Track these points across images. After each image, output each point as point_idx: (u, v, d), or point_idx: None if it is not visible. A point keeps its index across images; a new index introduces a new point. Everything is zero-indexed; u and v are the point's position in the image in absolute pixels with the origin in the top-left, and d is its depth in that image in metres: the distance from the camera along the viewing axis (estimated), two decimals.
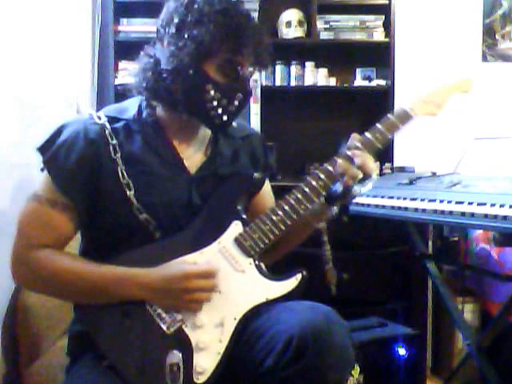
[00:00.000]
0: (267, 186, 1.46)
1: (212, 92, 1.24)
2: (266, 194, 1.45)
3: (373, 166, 1.26)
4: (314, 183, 1.25)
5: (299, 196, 1.25)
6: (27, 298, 1.54)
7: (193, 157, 1.33)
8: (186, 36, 1.22)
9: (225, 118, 1.27)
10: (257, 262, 1.24)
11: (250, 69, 1.30)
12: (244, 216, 1.27)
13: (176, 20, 1.24)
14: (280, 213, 1.24)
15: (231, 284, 1.22)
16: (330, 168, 1.26)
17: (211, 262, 1.22)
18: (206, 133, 1.37)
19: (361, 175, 1.24)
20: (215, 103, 1.25)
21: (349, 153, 1.26)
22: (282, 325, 1.17)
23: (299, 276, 1.22)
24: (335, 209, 1.34)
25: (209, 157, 1.35)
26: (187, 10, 1.24)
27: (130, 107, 1.34)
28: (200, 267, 1.21)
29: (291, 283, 1.22)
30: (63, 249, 1.27)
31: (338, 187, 1.27)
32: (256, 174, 1.34)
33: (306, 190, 1.26)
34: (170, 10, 1.27)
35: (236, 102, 1.27)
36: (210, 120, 1.28)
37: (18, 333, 1.53)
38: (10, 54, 1.84)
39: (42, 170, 1.26)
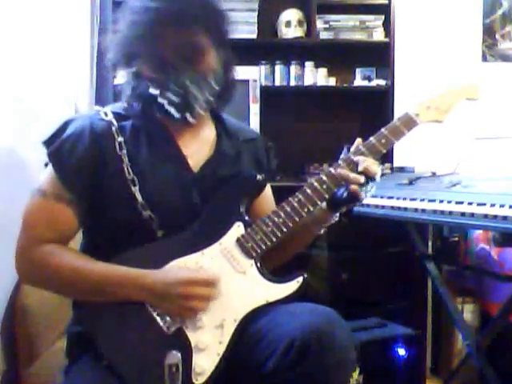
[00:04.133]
0: (268, 190, 1.46)
1: (152, 90, 1.25)
2: (267, 198, 1.45)
3: (377, 170, 1.26)
4: (317, 186, 1.26)
5: (302, 198, 1.25)
6: (26, 298, 1.54)
7: (196, 155, 1.33)
8: (117, 42, 1.29)
9: (175, 110, 1.26)
10: (258, 264, 1.24)
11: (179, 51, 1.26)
12: (246, 217, 1.27)
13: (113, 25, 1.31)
14: (282, 215, 1.24)
15: (232, 285, 1.22)
16: (334, 171, 1.26)
17: (212, 264, 1.22)
18: (209, 132, 1.38)
19: (362, 180, 1.24)
20: (162, 100, 1.25)
21: (352, 157, 1.26)
22: (284, 327, 1.17)
23: (300, 279, 1.22)
24: (337, 215, 1.34)
25: (212, 156, 1.35)
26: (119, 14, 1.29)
27: (135, 105, 1.34)
28: (202, 275, 1.20)
29: (292, 286, 1.22)
30: (67, 244, 1.27)
31: (343, 192, 1.27)
32: (259, 176, 1.33)
33: (309, 192, 1.25)
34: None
35: (177, 97, 1.25)
36: (170, 117, 1.27)
37: (17, 333, 1.53)
38: (10, 53, 1.84)
39: (46, 164, 1.26)
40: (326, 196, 1.26)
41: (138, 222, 1.24)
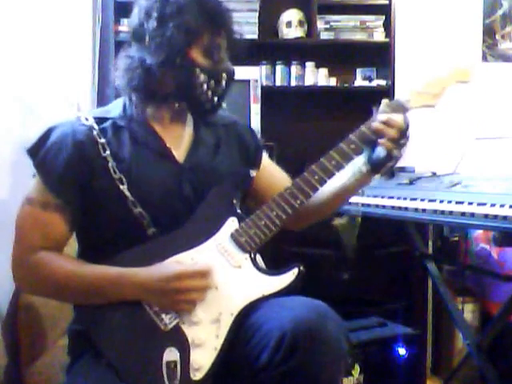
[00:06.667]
0: (268, 162, 1.51)
1: (201, 76, 1.28)
2: (272, 169, 1.51)
3: (403, 122, 1.28)
4: (309, 178, 1.28)
5: (294, 191, 1.27)
6: (29, 297, 1.54)
7: (179, 146, 1.35)
8: (170, 26, 1.25)
9: (215, 100, 1.32)
10: (253, 258, 1.24)
11: (226, 48, 1.33)
12: (239, 212, 1.28)
13: (155, 14, 1.27)
14: (276, 208, 1.26)
15: (228, 280, 1.22)
16: (326, 163, 1.28)
17: (207, 260, 1.23)
18: (188, 122, 1.39)
19: (395, 133, 1.26)
20: (205, 87, 1.29)
21: (382, 117, 1.29)
22: (275, 321, 1.17)
23: (296, 270, 1.22)
24: (376, 176, 1.36)
25: (192, 145, 1.36)
26: (164, 3, 1.27)
27: (115, 107, 1.36)
28: (193, 267, 1.21)
29: (288, 278, 1.22)
30: (61, 251, 1.28)
31: (380, 153, 1.29)
32: (253, 173, 1.36)
33: (302, 185, 1.27)
34: (144, 8, 1.30)
35: (223, 83, 1.32)
36: (200, 105, 1.32)
37: (20, 331, 1.53)
38: (11, 53, 1.85)
39: (34, 175, 1.27)
40: (318, 187, 1.28)
41: (130, 219, 1.24)
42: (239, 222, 1.26)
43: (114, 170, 1.25)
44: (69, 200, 1.24)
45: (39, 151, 1.26)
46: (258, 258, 1.28)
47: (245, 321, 1.22)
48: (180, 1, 1.27)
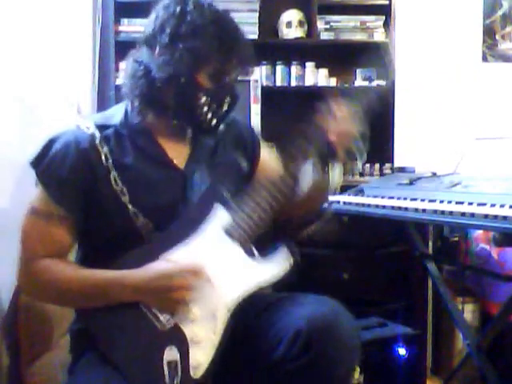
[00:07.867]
0: (267, 159, 1.49)
1: (203, 98, 1.27)
2: (269, 162, 1.47)
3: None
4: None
5: (286, 179, 1.27)
6: (29, 297, 1.54)
7: (179, 153, 1.35)
8: (180, 47, 1.24)
9: (214, 121, 1.31)
10: (247, 250, 1.24)
11: (235, 74, 1.32)
12: (232, 204, 1.28)
13: (168, 30, 1.26)
14: (268, 197, 1.25)
15: (222, 275, 1.22)
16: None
17: (201, 255, 1.22)
18: (188, 128, 1.39)
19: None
20: (205, 108, 1.28)
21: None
22: (290, 317, 1.18)
23: (291, 260, 1.23)
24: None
25: (192, 150, 1.36)
26: (180, 21, 1.26)
27: (116, 113, 1.35)
28: (182, 264, 1.21)
29: (282, 267, 1.23)
30: (66, 257, 1.29)
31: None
32: (244, 164, 1.37)
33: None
34: (160, 18, 1.28)
35: (225, 106, 1.31)
36: (199, 124, 1.31)
37: (20, 331, 1.53)
38: (11, 53, 1.85)
39: (37, 184, 1.27)
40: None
41: (132, 229, 1.25)
42: (231, 214, 1.26)
43: (116, 181, 1.25)
44: (72, 210, 1.25)
45: (42, 161, 1.26)
46: (253, 249, 1.27)
47: (258, 318, 1.23)
48: (196, 22, 1.25)
